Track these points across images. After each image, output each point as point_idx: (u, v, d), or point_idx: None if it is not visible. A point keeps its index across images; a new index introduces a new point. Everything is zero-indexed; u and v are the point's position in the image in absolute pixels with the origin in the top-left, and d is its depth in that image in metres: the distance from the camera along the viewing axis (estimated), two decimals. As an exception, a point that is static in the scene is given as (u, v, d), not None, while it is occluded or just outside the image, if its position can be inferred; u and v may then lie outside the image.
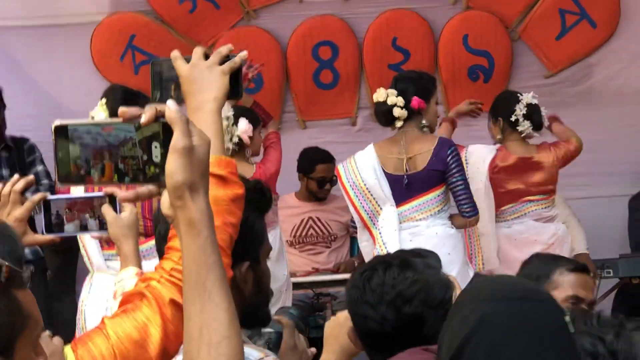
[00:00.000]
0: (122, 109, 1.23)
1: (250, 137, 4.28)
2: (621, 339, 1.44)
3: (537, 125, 4.50)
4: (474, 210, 4.23)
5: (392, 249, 4.10)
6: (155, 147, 1.19)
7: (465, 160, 4.61)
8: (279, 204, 4.91)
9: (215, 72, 1.57)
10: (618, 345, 1.43)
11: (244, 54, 1.63)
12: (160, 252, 2.07)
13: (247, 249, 1.58)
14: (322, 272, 4.87)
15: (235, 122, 4.29)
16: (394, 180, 4.25)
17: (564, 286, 2.67)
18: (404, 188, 4.27)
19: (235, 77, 1.62)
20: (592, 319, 1.47)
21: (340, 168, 4.43)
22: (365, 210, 4.33)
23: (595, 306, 2.70)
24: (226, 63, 1.57)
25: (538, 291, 1.31)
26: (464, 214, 4.26)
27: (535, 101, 4.48)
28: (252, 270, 1.64)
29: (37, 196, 2.13)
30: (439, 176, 4.28)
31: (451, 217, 4.32)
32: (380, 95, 4.16)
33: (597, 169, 5.22)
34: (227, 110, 4.29)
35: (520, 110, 4.45)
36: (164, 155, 1.18)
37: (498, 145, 4.57)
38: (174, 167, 1.13)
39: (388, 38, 5.48)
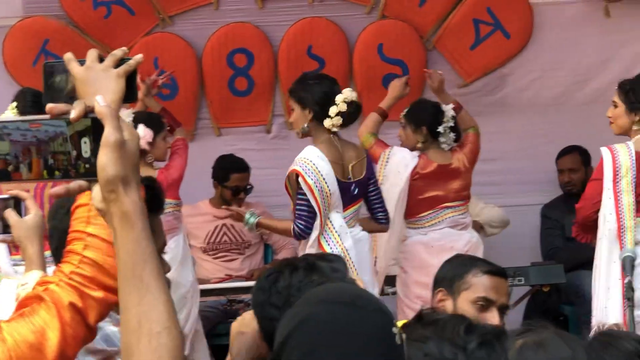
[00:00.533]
0: (49, 106, 1.24)
1: (150, 143, 4.29)
2: (483, 348, 1.48)
3: (458, 138, 4.65)
4: (388, 218, 4.31)
5: (353, 256, 4.17)
6: (85, 142, 1.20)
7: (387, 159, 4.65)
8: (192, 210, 4.95)
9: (110, 74, 1.55)
10: (478, 354, 1.47)
11: (139, 57, 1.60)
12: (56, 256, 2.08)
13: None
14: (235, 278, 4.91)
15: (135, 128, 4.23)
16: (343, 187, 4.22)
17: (476, 287, 2.71)
18: (351, 195, 4.26)
19: (131, 80, 1.59)
20: (460, 328, 1.52)
21: (302, 171, 4.19)
22: (324, 217, 4.24)
23: (508, 311, 2.75)
24: (121, 66, 1.57)
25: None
26: (381, 221, 4.32)
27: (453, 113, 4.61)
28: None
29: None
30: (368, 184, 4.37)
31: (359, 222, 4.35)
32: (347, 95, 4.09)
33: (510, 178, 5.33)
34: (127, 116, 4.26)
35: (447, 122, 4.59)
36: (94, 151, 1.19)
37: (418, 153, 4.66)
38: (107, 161, 1.15)
39: (303, 46, 5.49)
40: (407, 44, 5.61)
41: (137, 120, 4.21)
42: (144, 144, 4.26)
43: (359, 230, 4.39)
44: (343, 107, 4.06)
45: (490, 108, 5.47)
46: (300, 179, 4.14)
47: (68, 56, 1.54)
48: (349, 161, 4.24)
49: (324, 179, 4.21)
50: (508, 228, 5.33)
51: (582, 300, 5.48)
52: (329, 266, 2.00)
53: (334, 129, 4.06)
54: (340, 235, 4.28)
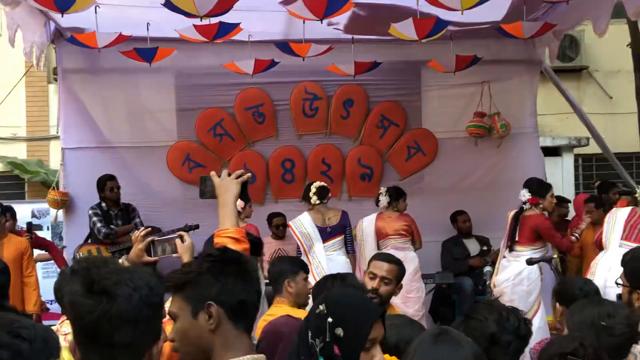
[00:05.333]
0: None
1: (242, 208, 6.72)
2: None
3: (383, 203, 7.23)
4: (353, 250, 6.95)
5: (324, 265, 6.51)
6: None
7: (363, 225, 7.23)
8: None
9: (233, 183, 2.36)
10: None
11: (248, 175, 2.50)
12: None
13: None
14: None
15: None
16: (321, 230, 6.77)
17: (369, 268, 3.71)
18: (327, 233, 6.78)
19: (244, 187, 2.41)
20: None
21: (292, 223, 6.87)
22: (306, 245, 6.77)
23: (387, 282, 3.67)
24: (239, 178, 2.37)
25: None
26: (349, 251, 6.94)
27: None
28: None
29: (149, 238, 3.03)
30: (342, 229, 6.90)
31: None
32: (321, 183, 6.92)
33: (425, 229, 7.56)
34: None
35: (383, 197, 7.36)
36: None
37: (379, 212, 7.29)
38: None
39: (319, 158, 8.27)
40: (373, 158, 8.34)
41: None
42: (239, 208, 6.55)
43: (336, 254, 6.70)
44: (314, 190, 6.65)
45: (414, 191, 8.00)
46: (291, 229, 6.67)
47: (212, 173, 2.47)
48: (327, 216, 6.75)
49: (302, 225, 6.56)
50: (429, 252, 7.54)
51: (462, 293, 7.83)
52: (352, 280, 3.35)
53: (317, 202, 6.68)
54: (317, 254, 6.56)
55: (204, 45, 6.78)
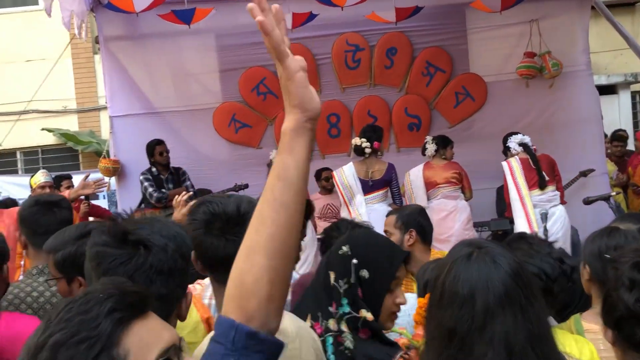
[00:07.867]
0: None
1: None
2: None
3: (430, 152, 7.18)
4: (401, 202, 6.86)
5: (364, 216, 6.34)
6: None
7: (410, 178, 7.16)
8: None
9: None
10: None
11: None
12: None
13: None
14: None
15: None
16: (363, 182, 6.68)
17: None
18: (369, 187, 6.72)
19: None
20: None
21: (335, 173, 6.78)
22: (347, 196, 6.67)
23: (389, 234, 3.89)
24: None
25: None
26: (395, 202, 6.89)
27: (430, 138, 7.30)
28: None
29: (192, 202, 2.72)
30: (386, 183, 6.81)
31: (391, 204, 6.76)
32: (357, 141, 6.81)
33: (477, 174, 7.46)
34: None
35: (430, 145, 7.28)
36: None
37: (426, 161, 7.26)
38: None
39: (365, 110, 8.21)
40: (420, 107, 8.24)
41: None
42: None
43: (378, 205, 6.59)
44: (352, 146, 6.73)
45: (464, 138, 7.97)
46: (333, 179, 6.68)
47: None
48: (371, 169, 6.64)
49: (345, 176, 6.45)
50: (481, 199, 7.51)
51: (519, 238, 7.91)
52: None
53: (360, 156, 6.66)
54: (358, 206, 6.48)
55: (242, 3, 6.61)
